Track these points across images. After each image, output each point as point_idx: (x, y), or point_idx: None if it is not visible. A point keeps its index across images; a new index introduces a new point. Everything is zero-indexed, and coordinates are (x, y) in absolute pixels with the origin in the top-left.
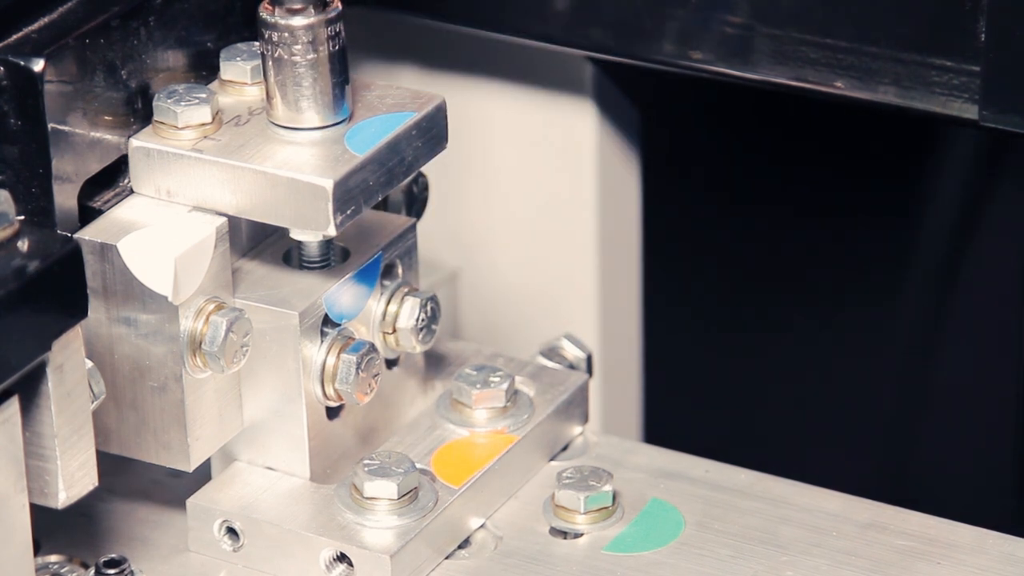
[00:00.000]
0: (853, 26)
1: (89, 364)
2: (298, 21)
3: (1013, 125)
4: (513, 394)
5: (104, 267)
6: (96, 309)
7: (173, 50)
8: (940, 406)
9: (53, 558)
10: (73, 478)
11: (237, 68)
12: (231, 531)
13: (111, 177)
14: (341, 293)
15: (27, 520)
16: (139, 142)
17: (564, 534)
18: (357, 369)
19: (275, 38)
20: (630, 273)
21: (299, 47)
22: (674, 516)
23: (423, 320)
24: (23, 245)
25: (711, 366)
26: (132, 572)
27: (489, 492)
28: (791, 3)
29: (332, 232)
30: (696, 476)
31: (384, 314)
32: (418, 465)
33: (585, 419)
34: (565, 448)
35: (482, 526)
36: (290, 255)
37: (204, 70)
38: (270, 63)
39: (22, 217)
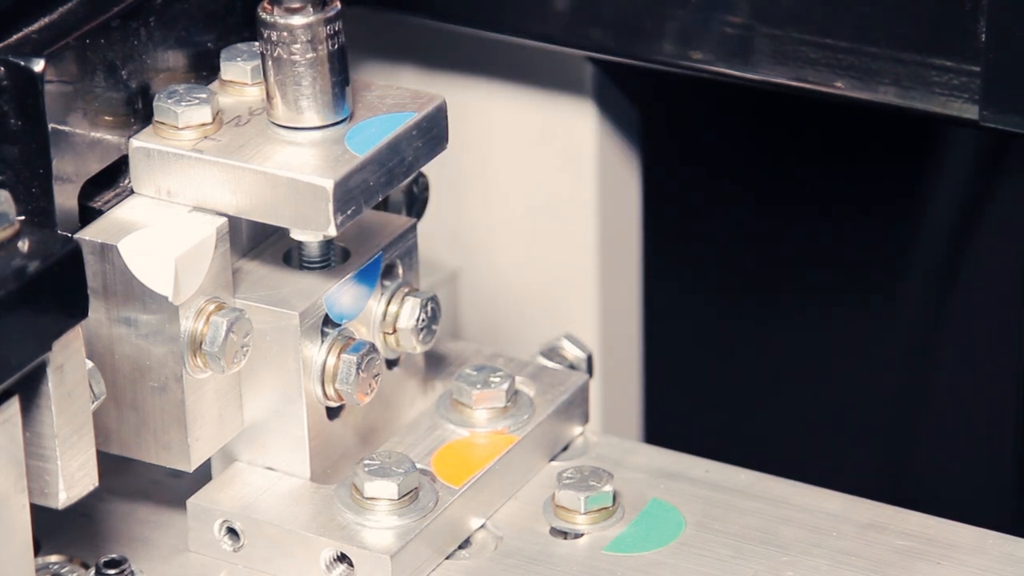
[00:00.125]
0: (853, 26)
1: (89, 364)
2: (297, 20)
3: (1013, 125)
4: (513, 394)
5: (104, 267)
6: (96, 309)
7: (173, 50)
8: (940, 406)
9: (53, 558)
10: (73, 478)
11: (237, 68)
12: (231, 531)
13: (111, 177)
14: (341, 293)
15: (27, 520)
16: (139, 142)
17: (564, 534)
18: (357, 369)
19: (274, 37)
20: (630, 273)
21: (298, 46)
22: (674, 516)
23: (423, 320)
24: (23, 245)
25: (711, 366)
26: (132, 572)
27: (489, 492)
28: (791, 3)
29: (332, 232)
30: (696, 476)
31: (384, 314)
32: (418, 465)
33: (585, 419)
34: (565, 448)
35: (482, 526)
36: (290, 255)
37: (204, 70)
38: (269, 63)
39: (22, 217)
